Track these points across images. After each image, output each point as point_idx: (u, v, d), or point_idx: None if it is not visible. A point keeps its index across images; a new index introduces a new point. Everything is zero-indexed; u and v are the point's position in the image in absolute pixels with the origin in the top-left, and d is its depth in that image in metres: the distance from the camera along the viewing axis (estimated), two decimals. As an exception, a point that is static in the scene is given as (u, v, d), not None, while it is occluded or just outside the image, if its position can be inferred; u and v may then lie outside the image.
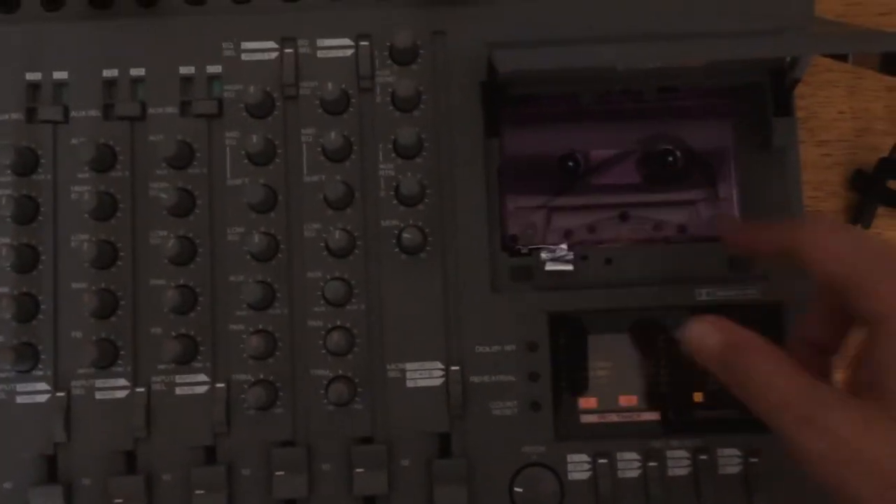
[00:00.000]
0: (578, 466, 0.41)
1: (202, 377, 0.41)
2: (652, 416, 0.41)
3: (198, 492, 0.39)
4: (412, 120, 0.42)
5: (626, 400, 0.42)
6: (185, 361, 0.41)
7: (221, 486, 0.39)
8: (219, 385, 0.40)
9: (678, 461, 0.41)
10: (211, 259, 0.41)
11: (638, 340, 0.42)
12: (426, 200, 0.42)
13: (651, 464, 0.40)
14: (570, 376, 0.42)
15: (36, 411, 0.40)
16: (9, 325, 0.40)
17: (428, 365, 0.41)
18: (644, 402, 0.42)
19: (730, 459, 0.40)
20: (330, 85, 0.41)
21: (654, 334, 0.42)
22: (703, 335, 0.33)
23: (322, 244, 0.41)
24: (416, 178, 0.41)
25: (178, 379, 0.41)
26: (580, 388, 0.42)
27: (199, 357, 0.41)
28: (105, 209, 0.41)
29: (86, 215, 0.41)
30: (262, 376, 0.41)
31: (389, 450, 0.40)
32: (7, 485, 0.40)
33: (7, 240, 0.41)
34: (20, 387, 0.40)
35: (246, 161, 0.42)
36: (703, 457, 0.40)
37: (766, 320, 0.41)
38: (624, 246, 0.43)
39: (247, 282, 0.40)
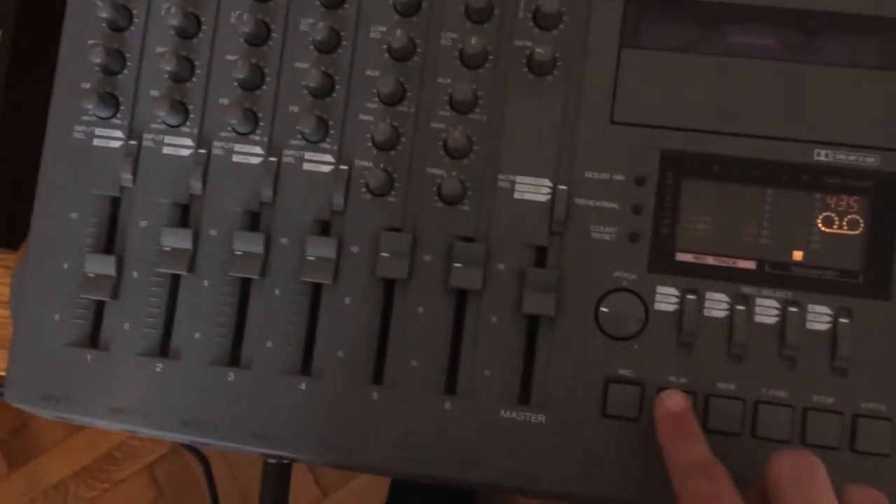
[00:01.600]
0: (666, 298, 0.42)
1: (328, 157, 0.44)
2: (748, 264, 0.42)
3: (309, 258, 0.43)
4: (561, -55, 0.43)
5: (724, 246, 0.42)
6: (315, 141, 0.44)
7: (331, 256, 0.43)
8: (342, 167, 0.43)
9: (767, 309, 0.41)
10: (352, 52, 0.44)
11: (746, 190, 0.42)
12: (561, 27, 0.43)
13: (739, 307, 0.41)
14: (671, 215, 0.43)
15: (178, 163, 0.44)
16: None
17: (537, 181, 0.43)
18: (742, 251, 0.42)
19: (819, 317, 0.41)
20: None
21: (763, 186, 0.42)
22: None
23: (456, 53, 0.44)
24: (557, 2, 0.42)
25: (307, 156, 0.44)
26: (680, 227, 0.42)
27: (328, 139, 0.44)
28: (265, -8, 0.44)
29: (250, -3, 0.44)
30: (382, 165, 0.43)
31: (488, 251, 0.42)
32: (143, 223, 0.44)
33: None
34: (167, 139, 0.44)
35: (398, -35, 0.44)
36: (793, 309, 0.41)
37: (881, 190, 0.41)
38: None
39: (382, 76, 0.43)
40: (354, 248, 0.43)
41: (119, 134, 0.44)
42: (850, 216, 0.42)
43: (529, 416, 0.42)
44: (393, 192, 0.43)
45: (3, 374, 0.55)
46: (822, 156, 0.42)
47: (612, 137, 0.43)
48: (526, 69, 0.43)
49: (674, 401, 0.39)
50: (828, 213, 0.42)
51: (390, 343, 0.43)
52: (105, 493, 1.40)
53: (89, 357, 0.43)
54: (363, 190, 0.43)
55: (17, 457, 1.42)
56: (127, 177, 0.44)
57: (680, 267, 0.42)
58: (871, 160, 0.41)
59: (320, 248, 0.43)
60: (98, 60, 0.43)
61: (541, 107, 0.43)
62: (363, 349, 0.43)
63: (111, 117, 0.44)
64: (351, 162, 0.44)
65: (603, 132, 0.43)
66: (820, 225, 0.42)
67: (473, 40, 0.42)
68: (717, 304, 0.42)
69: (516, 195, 0.43)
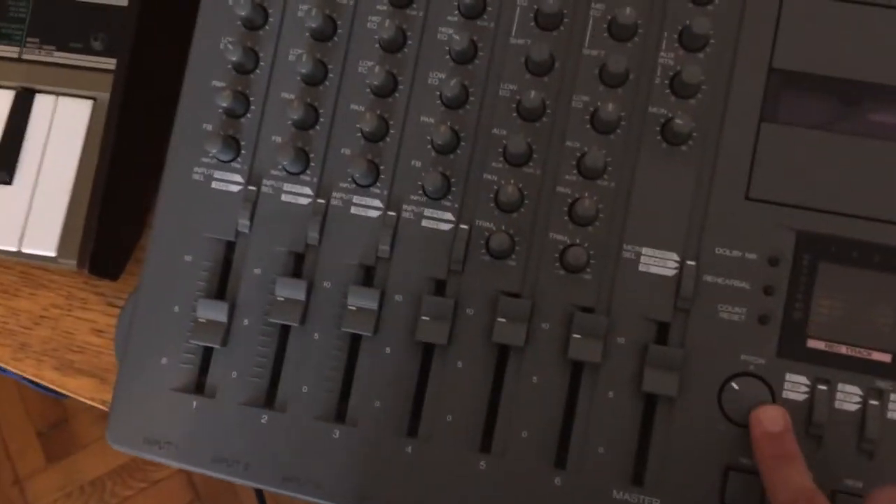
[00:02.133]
0: (796, 387, 0.40)
1: (448, 216, 0.43)
2: (883, 357, 0.40)
3: (424, 318, 0.42)
4: (705, 12, 0.42)
5: (859, 336, 0.41)
6: (436, 198, 0.43)
7: (447, 317, 0.41)
8: (462, 226, 0.42)
9: (902, 407, 0.39)
10: (480, 108, 0.43)
11: (885, 278, 0.41)
12: (699, 96, 0.42)
13: (872, 402, 0.39)
14: (804, 299, 0.41)
15: (295, 211, 0.43)
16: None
17: (664, 254, 0.41)
18: (877, 342, 0.40)
19: (960, 419, 0.39)
20: (629, -35, 0.42)
21: (904, 277, 0.40)
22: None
23: (587, 117, 0.42)
24: (698, 70, 0.41)
25: (427, 212, 0.43)
26: (812, 313, 0.41)
27: (449, 197, 0.43)
28: (397, 42, 0.43)
29: (377, 45, 0.43)
30: (503, 227, 0.42)
31: (609, 324, 0.41)
32: (257, 270, 0.43)
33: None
34: (287, 186, 0.44)
35: (532, 23, 0.43)
36: (932, 409, 0.39)
37: None
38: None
39: (510, 135, 0.42)
40: (470, 311, 0.42)
41: (238, 178, 0.44)
42: None
43: (643, 499, 0.40)
44: (513, 256, 0.42)
45: (89, 401, 0.55)
46: (970, 250, 0.40)
47: (746, 214, 0.41)
48: (659, 137, 0.42)
49: (772, 420, 0.37)
50: (972, 309, 0.40)
51: (501, 411, 0.42)
52: (141, 492, 1.41)
53: (195, 403, 0.43)
54: (482, 251, 0.42)
55: (55, 450, 1.42)
56: (244, 222, 0.43)
57: (811, 354, 0.40)
58: None
59: (435, 309, 0.42)
60: (225, 104, 0.43)
61: (673, 177, 0.42)
62: (472, 415, 0.42)
63: (232, 160, 0.44)
64: (472, 222, 0.43)
65: (737, 208, 0.41)
66: (962, 320, 0.40)
67: (610, 107, 0.41)
68: (849, 397, 0.40)
69: (641, 267, 0.42)
